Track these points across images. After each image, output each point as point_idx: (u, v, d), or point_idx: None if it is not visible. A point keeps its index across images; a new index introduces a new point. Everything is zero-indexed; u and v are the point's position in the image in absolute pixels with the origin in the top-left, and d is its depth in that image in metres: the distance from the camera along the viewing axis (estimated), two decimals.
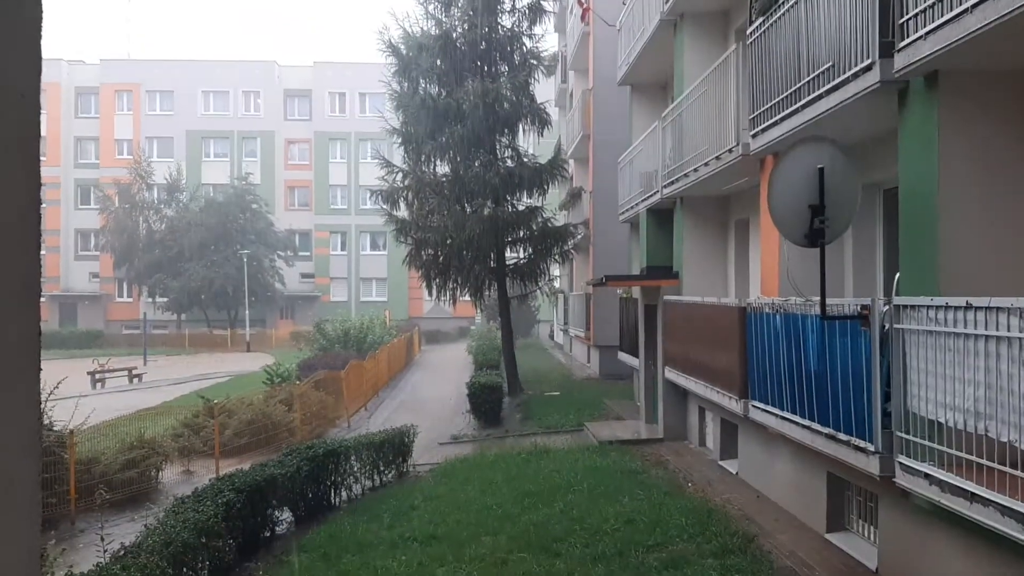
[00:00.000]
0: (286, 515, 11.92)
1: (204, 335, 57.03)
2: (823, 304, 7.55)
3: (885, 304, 6.93)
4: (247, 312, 55.08)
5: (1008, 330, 5.26)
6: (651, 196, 16.24)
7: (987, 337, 5.47)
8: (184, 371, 37.39)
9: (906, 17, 6.69)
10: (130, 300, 63.28)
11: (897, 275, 7.62)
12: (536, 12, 24.54)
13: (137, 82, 65.82)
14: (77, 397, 15.94)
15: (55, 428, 13.10)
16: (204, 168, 65.62)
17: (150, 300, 59.23)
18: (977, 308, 5.59)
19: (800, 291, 8.44)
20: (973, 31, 5.79)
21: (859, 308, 7.17)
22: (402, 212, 24.98)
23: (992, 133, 6.81)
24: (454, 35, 23.94)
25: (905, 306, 6.62)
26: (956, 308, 5.85)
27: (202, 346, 54.03)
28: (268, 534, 11.19)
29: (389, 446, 14.40)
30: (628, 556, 8.82)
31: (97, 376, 32.83)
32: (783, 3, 9.30)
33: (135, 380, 34.43)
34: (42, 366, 1.35)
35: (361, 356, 27.32)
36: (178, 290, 56.71)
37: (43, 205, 1.39)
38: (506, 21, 24.37)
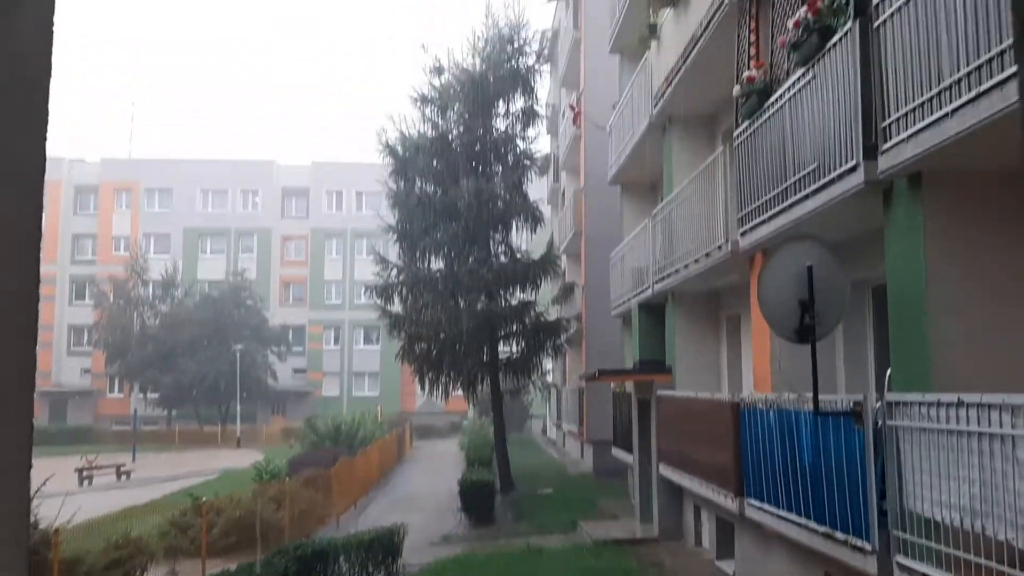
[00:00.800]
0: None
1: (194, 431, 56.32)
2: (816, 400, 7.53)
3: (877, 401, 6.92)
4: (239, 408, 54.54)
5: (1000, 427, 5.25)
6: (643, 291, 16.37)
7: (980, 434, 5.46)
8: (173, 468, 36.74)
9: (888, 121, 6.88)
10: (121, 396, 62.51)
11: (888, 371, 7.64)
12: (529, 116, 25.28)
13: (136, 180, 66.66)
14: (63, 495, 15.62)
15: (40, 526, 12.82)
16: (200, 264, 65.92)
17: (141, 396, 58.64)
18: (969, 404, 5.58)
19: (793, 387, 8.44)
20: (954, 135, 5.96)
21: (852, 404, 7.16)
22: (396, 307, 25.17)
23: (977, 231, 6.91)
24: (450, 137, 24.54)
25: (897, 403, 6.61)
26: (948, 405, 5.85)
27: (192, 442, 53.22)
28: None
29: (378, 546, 14.09)
30: None
31: (84, 473, 32.24)
32: (768, 108, 9.58)
33: (123, 477, 33.82)
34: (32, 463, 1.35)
35: (352, 452, 26.95)
36: (169, 386, 56.26)
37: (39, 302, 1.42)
38: (500, 124, 25.07)
